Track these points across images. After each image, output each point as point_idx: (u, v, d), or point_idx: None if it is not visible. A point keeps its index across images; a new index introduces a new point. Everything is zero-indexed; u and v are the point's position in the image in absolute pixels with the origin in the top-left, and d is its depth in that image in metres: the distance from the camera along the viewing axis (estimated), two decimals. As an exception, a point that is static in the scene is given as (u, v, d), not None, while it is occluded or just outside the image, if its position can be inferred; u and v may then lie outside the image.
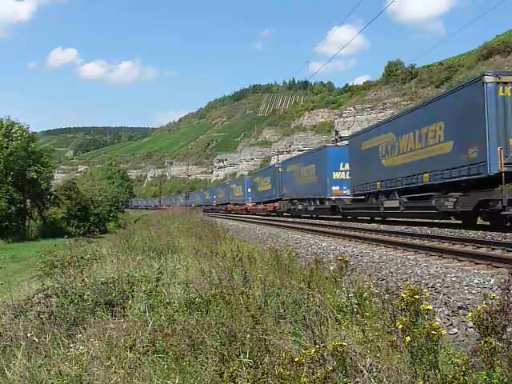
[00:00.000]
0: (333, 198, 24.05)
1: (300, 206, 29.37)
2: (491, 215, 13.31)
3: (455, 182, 13.86)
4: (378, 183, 19.35)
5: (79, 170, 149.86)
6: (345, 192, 23.60)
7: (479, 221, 14.86)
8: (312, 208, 27.29)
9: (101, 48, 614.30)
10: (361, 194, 21.65)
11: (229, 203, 52.54)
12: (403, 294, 2.64)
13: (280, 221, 27.20)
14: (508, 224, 12.74)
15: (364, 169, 21.01)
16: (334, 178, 24.21)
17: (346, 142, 26.91)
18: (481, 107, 12.60)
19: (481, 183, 12.75)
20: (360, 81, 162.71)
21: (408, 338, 2.42)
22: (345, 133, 67.02)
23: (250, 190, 44.23)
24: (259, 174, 44.97)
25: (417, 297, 2.58)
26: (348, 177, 23.49)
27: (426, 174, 15.53)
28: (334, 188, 24.02)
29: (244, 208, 45.13)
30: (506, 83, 12.65)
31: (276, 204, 35.00)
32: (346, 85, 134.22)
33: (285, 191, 32.92)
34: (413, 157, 16.62)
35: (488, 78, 12.66)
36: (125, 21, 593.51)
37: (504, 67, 53.44)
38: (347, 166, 23.50)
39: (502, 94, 12.57)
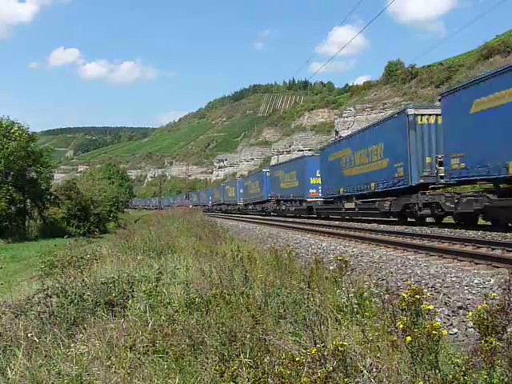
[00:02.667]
0: (309, 200, 28.54)
1: (283, 207, 33.84)
2: (413, 215, 17.02)
3: (390, 190, 18.40)
4: (341, 189, 23.85)
5: (79, 170, 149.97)
6: (319, 195, 27.87)
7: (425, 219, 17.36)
8: (293, 208, 31.67)
9: (102, 48, 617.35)
10: (330, 198, 26.04)
11: (223, 203, 56.26)
12: (404, 294, 2.64)
13: (280, 221, 27.20)
14: (427, 220, 16.99)
15: (331, 177, 25.51)
16: (311, 183, 28.60)
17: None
18: (405, 133, 16.85)
19: (407, 191, 16.86)
20: (360, 81, 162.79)
21: (409, 338, 2.42)
22: (345, 133, 67.02)
23: (241, 191, 48.00)
24: (250, 178, 50.05)
25: (418, 297, 2.58)
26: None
27: (373, 184, 20.09)
28: (311, 191, 28.41)
29: (236, 208, 49.39)
30: (423, 114, 16.61)
31: (264, 205, 39.38)
32: (346, 85, 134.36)
33: (272, 193, 36.99)
34: (364, 169, 21.09)
35: (410, 111, 16.76)
36: (126, 21, 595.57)
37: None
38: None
39: (420, 122, 16.58)
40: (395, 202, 17.70)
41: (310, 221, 24.75)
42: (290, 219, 28.92)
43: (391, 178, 18.01)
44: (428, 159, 16.30)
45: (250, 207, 43.91)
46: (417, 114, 16.54)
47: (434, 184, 15.97)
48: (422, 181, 16.19)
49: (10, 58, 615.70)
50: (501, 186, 12.92)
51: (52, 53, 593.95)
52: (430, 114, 16.66)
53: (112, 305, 5.04)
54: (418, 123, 16.44)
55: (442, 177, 15.45)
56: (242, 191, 47.25)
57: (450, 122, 14.73)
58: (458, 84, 21.89)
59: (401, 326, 2.53)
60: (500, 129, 12.30)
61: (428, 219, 17.20)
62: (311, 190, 28.28)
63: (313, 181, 28.23)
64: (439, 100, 16.38)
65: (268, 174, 38.43)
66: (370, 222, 20.31)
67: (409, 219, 17.82)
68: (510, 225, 12.92)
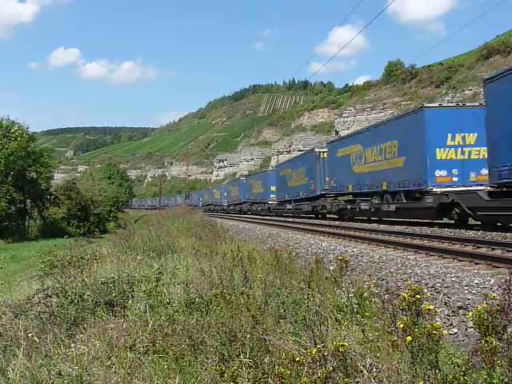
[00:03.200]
0: (270, 202, 37.88)
1: (254, 207, 42.66)
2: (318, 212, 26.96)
3: (308, 197, 28.34)
4: (286, 195, 33.21)
5: (79, 170, 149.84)
6: (275, 198, 37.24)
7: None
8: (259, 208, 40.89)
9: (103, 48, 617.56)
10: (280, 201, 35.18)
11: (211, 204, 64.52)
12: (405, 294, 2.64)
13: (280, 221, 27.21)
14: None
15: (281, 186, 35.82)
16: (272, 190, 37.44)
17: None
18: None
19: (315, 198, 27.23)
20: (360, 81, 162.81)
21: (409, 338, 2.41)
22: (345, 133, 66.97)
23: (225, 194, 56.61)
24: (231, 183, 58.65)
25: (418, 296, 2.58)
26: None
27: (301, 193, 29.11)
28: (271, 196, 37.67)
29: (221, 208, 56.15)
30: (323, 152, 26.70)
31: (241, 205, 47.61)
32: (346, 85, 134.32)
33: (247, 197, 45.28)
34: (296, 183, 30.27)
35: (316, 150, 28.32)
36: (127, 21, 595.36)
37: (504, 67, 53.41)
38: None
39: (322, 157, 26.75)
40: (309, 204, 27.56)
41: (310, 221, 24.75)
42: (290, 219, 28.95)
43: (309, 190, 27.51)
44: (327, 179, 25.46)
45: (232, 207, 53.42)
46: (320, 152, 26.80)
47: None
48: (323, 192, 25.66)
49: (11, 58, 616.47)
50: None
51: (52, 53, 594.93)
52: (326, 151, 26.22)
53: (112, 305, 5.04)
54: (321, 157, 26.40)
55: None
56: (226, 194, 56.51)
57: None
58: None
59: (401, 325, 2.53)
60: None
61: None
62: (271, 196, 37.57)
63: (272, 188, 37.23)
64: (327, 145, 26.63)
65: (244, 181, 48.55)
66: (370, 222, 20.31)
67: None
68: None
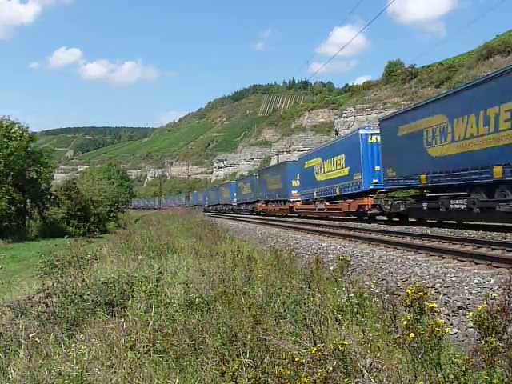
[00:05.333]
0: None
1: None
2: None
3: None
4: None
5: (79, 170, 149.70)
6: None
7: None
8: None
9: (104, 48, 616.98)
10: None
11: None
12: (408, 291, 2.64)
13: (280, 221, 27.20)
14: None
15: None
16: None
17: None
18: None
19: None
20: (360, 81, 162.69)
21: (412, 334, 2.42)
22: (345, 133, 66.93)
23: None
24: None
25: (422, 294, 2.58)
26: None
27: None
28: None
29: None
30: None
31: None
32: (346, 85, 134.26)
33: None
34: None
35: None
36: (128, 21, 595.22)
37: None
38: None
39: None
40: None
41: (310, 221, 24.74)
42: (290, 219, 28.93)
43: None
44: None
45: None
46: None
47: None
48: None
49: (11, 58, 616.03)
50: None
51: (53, 53, 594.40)
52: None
53: (112, 305, 5.04)
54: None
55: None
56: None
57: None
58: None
59: (404, 322, 2.53)
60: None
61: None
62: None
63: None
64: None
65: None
66: (369, 222, 20.30)
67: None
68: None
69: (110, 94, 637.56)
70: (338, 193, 23.76)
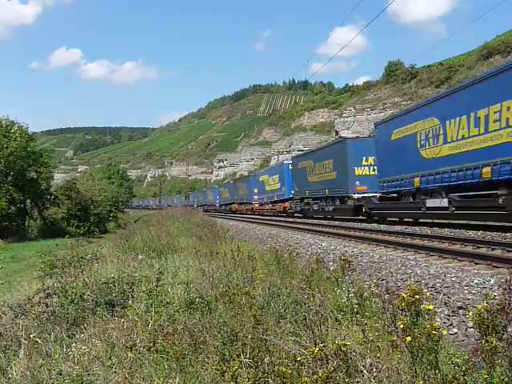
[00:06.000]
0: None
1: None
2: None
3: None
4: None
5: (79, 170, 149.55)
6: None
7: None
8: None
9: (105, 48, 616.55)
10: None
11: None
12: (404, 294, 2.64)
13: (280, 221, 27.21)
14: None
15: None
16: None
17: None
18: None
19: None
20: (360, 81, 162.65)
21: (409, 338, 2.42)
22: (345, 133, 66.98)
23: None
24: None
25: (417, 297, 2.58)
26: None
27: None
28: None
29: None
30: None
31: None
32: (346, 85, 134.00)
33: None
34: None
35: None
36: (129, 21, 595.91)
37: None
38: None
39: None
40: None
41: (310, 221, 24.75)
42: (290, 219, 28.96)
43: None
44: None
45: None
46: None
47: None
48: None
49: (12, 58, 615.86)
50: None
51: (54, 53, 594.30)
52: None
53: (112, 305, 5.05)
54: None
55: None
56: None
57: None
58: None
59: (401, 326, 2.53)
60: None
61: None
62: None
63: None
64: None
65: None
66: (369, 222, 20.31)
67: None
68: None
69: (110, 94, 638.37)
70: (275, 199, 35.73)
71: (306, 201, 28.25)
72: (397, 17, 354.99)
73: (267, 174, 39.83)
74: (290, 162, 32.69)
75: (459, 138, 13.87)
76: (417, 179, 16.14)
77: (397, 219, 18.76)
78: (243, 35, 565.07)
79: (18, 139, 28.54)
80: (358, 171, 21.55)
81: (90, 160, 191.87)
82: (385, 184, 18.94)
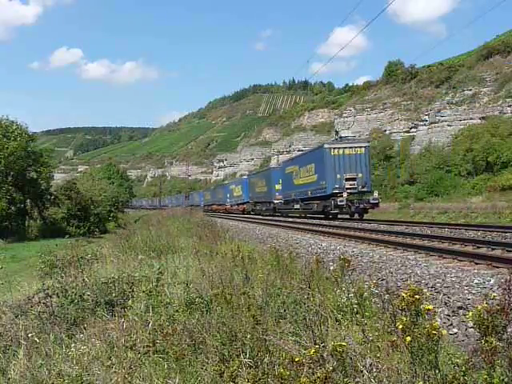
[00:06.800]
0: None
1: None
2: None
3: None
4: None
5: (79, 170, 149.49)
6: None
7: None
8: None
9: (105, 48, 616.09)
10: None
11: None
12: (403, 294, 2.63)
13: (280, 221, 27.22)
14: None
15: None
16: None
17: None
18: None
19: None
20: (360, 81, 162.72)
21: (408, 338, 2.41)
22: (345, 133, 66.82)
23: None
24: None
25: (417, 297, 2.58)
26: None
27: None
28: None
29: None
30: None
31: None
32: (346, 85, 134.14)
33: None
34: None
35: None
36: (129, 21, 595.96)
37: (504, 67, 53.47)
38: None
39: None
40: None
41: (310, 221, 24.76)
42: (290, 219, 28.98)
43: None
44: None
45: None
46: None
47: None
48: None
49: (12, 58, 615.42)
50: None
51: (54, 53, 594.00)
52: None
53: (112, 305, 5.05)
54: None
55: None
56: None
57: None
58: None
59: (400, 326, 2.52)
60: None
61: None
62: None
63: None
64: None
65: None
66: (369, 222, 20.29)
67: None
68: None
69: (110, 94, 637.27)
70: (239, 201, 48.52)
71: (252, 202, 44.78)
72: (397, 17, 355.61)
73: (234, 185, 54.81)
74: (246, 177, 51.43)
75: (302, 176, 29.83)
76: (293, 194, 31.67)
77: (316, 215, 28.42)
78: (243, 35, 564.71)
79: (18, 139, 28.54)
80: (277, 187, 36.61)
81: (90, 160, 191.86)
82: (283, 195, 34.83)
